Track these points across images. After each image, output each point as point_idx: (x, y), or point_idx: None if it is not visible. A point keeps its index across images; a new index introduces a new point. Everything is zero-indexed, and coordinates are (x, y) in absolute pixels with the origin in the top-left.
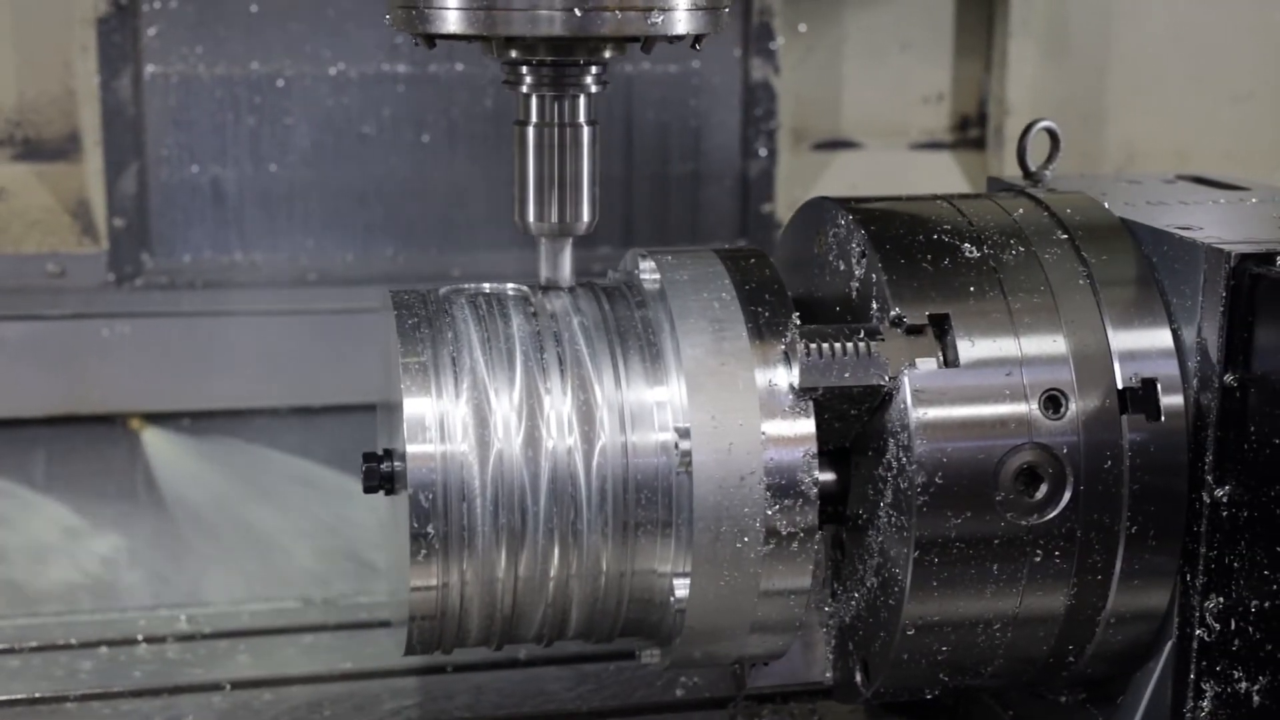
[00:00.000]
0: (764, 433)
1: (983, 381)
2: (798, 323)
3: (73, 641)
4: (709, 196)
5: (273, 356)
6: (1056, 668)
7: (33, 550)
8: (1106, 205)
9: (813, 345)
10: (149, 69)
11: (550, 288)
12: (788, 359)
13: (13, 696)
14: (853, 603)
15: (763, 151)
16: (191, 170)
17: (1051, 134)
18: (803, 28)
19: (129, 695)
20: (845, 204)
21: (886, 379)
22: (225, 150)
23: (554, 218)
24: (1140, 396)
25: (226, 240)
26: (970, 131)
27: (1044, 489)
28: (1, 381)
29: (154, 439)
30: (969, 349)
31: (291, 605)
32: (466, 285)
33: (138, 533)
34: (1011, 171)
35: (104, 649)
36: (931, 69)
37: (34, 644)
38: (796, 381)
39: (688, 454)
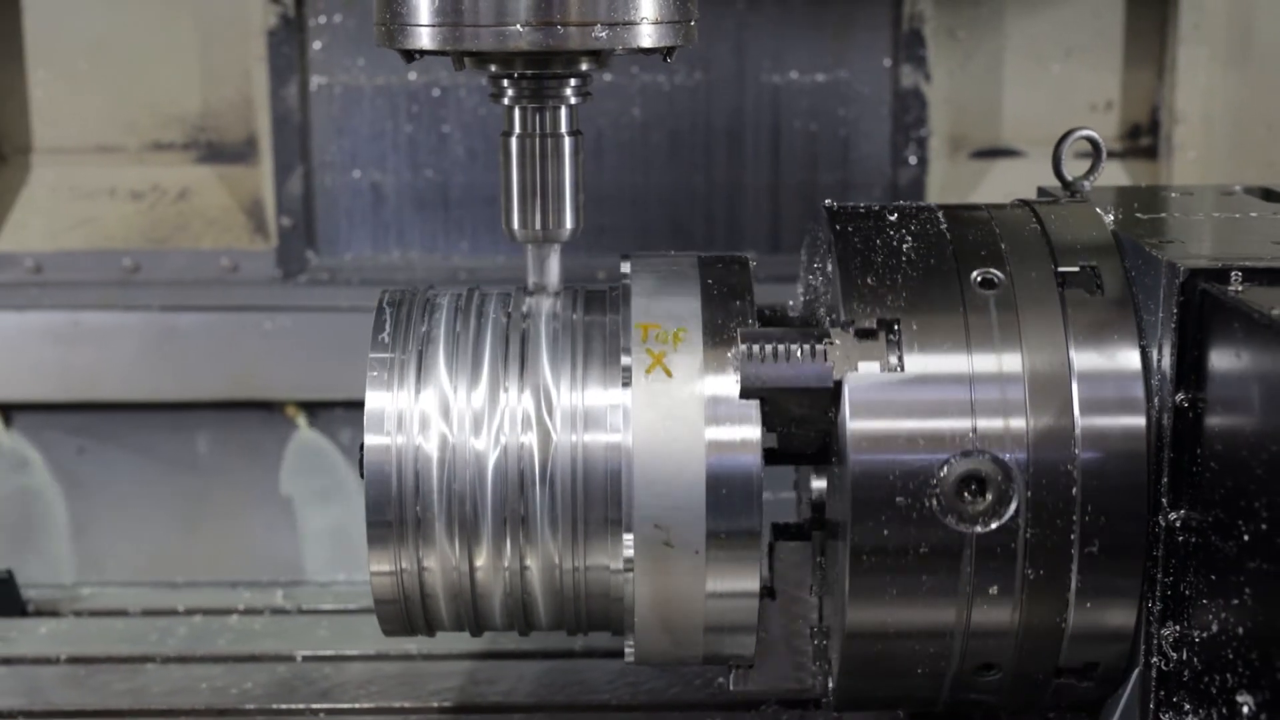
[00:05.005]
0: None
1: (928, 395)
2: (754, 325)
3: (177, 609)
4: None
5: None
6: (1030, 686)
7: (182, 522)
8: (1111, 218)
9: (756, 347)
10: (315, 79)
11: (535, 291)
12: (734, 361)
13: (100, 654)
14: (826, 607)
15: (913, 159)
16: (353, 174)
17: (1093, 143)
18: (961, 34)
19: (207, 660)
20: (831, 210)
21: (830, 381)
22: (385, 156)
23: (537, 225)
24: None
25: (385, 240)
26: (1142, 140)
27: (989, 499)
28: (174, 367)
29: (308, 426)
30: (918, 361)
31: None
32: (458, 287)
33: (277, 512)
34: (1181, 181)
35: (199, 618)
36: (1099, 75)
37: (142, 610)
38: (739, 381)
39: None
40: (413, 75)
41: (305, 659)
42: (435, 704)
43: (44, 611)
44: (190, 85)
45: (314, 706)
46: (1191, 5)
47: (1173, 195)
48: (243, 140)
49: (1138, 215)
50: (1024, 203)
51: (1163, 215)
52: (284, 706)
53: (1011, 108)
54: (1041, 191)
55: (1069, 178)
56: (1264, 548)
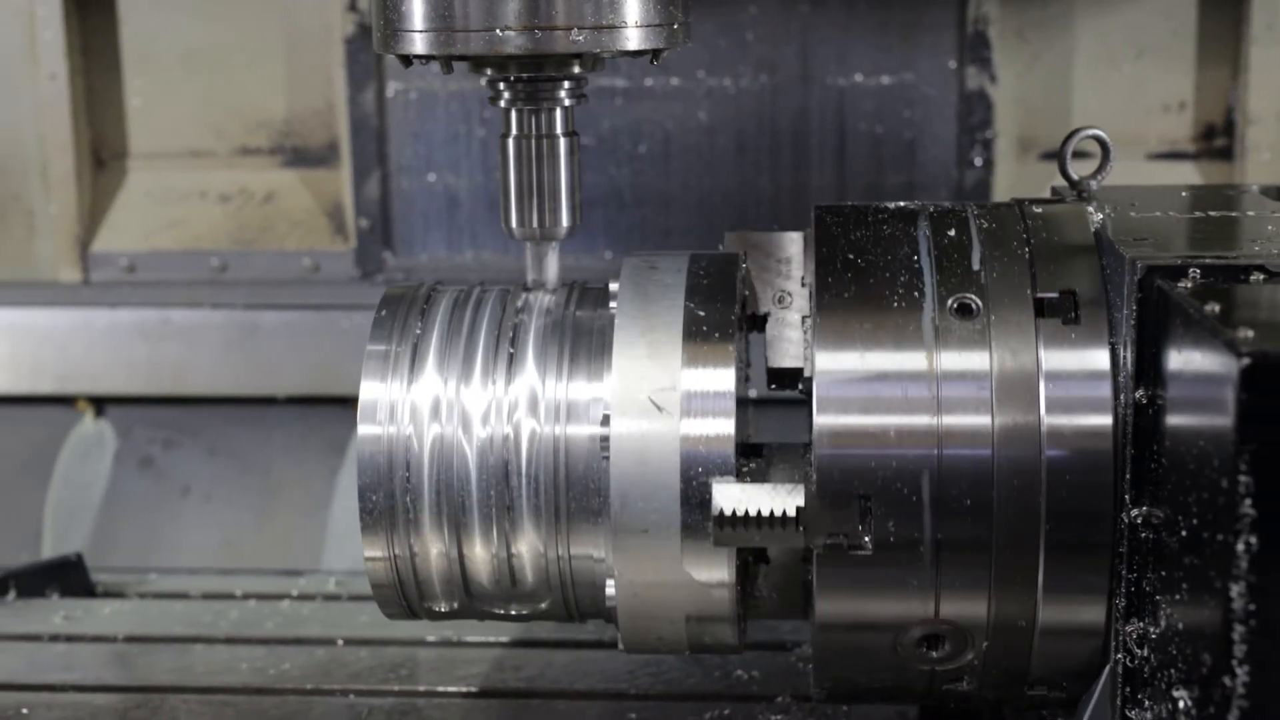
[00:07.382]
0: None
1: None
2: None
3: (234, 593)
4: None
5: None
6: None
7: (258, 511)
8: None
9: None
10: (391, 86)
11: (534, 288)
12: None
13: (155, 634)
14: None
15: (979, 161)
16: (428, 178)
17: (1100, 142)
18: (1029, 35)
19: (252, 642)
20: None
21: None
22: (459, 160)
23: (534, 223)
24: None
25: (459, 242)
26: (1216, 141)
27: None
28: (256, 363)
29: None
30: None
31: None
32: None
33: (346, 503)
34: (1255, 182)
35: (253, 602)
36: (1172, 76)
37: (202, 593)
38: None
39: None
40: (484, 81)
41: (346, 643)
42: (461, 689)
43: (111, 593)
44: (276, 93)
45: (344, 688)
46: (1264, 5)
47: (1180, 195)
48: (325, 145)
49: (1130, 214)
50: (1016, 202)
51: (1156, 214)
52: (316, 687)
53: (1081, 109)
54: (1054, 191)
55: (1075, 177)
56: (1195, 544)
